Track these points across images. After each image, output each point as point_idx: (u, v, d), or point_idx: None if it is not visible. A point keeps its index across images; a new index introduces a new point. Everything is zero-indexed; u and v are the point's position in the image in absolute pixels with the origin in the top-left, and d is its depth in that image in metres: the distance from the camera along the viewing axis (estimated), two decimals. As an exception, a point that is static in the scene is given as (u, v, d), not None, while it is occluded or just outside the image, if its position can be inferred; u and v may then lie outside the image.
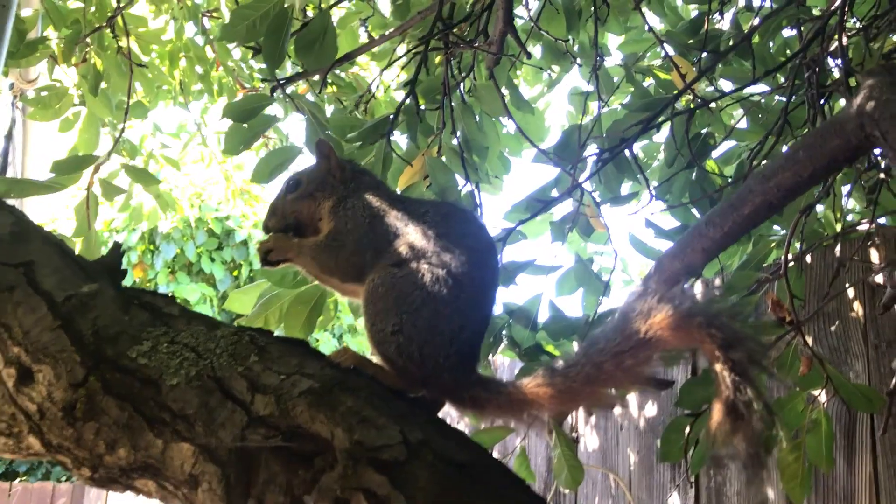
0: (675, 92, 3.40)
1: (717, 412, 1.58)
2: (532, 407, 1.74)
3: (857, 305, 3.72)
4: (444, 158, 3.64)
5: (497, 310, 3.75)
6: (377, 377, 1.79)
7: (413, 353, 1.79)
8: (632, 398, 4.78)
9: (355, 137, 3.43)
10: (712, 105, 3.61)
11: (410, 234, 1.91)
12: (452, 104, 3.37)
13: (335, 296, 3.77)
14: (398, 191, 3.74)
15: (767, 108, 3.77)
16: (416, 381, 1.81)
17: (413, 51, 3.34)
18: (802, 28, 3.78)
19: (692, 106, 3.41)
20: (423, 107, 3.49)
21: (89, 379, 1.69)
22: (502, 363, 5.57)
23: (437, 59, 3.59)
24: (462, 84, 3.51)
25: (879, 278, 3.56)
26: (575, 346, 2.80)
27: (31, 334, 1.71)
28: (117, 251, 1.92)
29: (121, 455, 1.70)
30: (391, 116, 3.52)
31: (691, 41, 4.27)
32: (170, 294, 1.97)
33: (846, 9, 2.89)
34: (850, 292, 3.75)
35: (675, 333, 1.63)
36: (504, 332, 3.73)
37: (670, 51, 4.55)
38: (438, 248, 1.86)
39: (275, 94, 3.20)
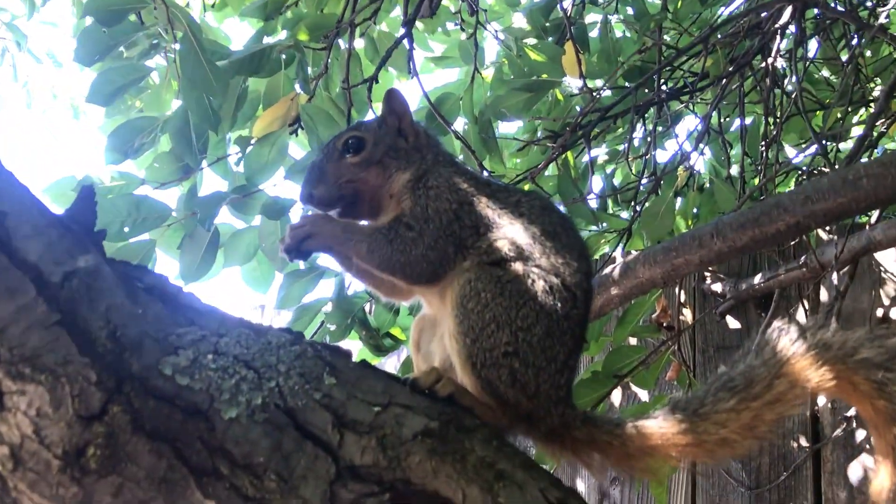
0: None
1: (889, 476, 1.42)
2: (657, 455, 1.45)
3: (686, 311, 3.86)
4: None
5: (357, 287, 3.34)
6: (475, 410, 1.37)
7: (529, 383, 1.40)
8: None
9: (228, 67, 2.79)
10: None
11: (508, 228, 1.50)
12: (352, 47, 2.87)
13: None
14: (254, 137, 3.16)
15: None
16: (521, 418, 1.42)
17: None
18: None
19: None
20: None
21: (110, 408, 1.08)
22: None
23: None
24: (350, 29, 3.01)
25: (717, 287, 3.72)
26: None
27: (8, 333, 1.05)
28: (91, 197, 1.27)
29: (147, 525, 1.12)
30: (269, 50, 2.93)
31: (548, 24, 4.14)
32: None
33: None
34: (682, 297, 3.89)
35: (841, 387, 1.44)
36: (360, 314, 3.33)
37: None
38: (548, 250, 1.48)
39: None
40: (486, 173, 3.48)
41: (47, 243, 1.11)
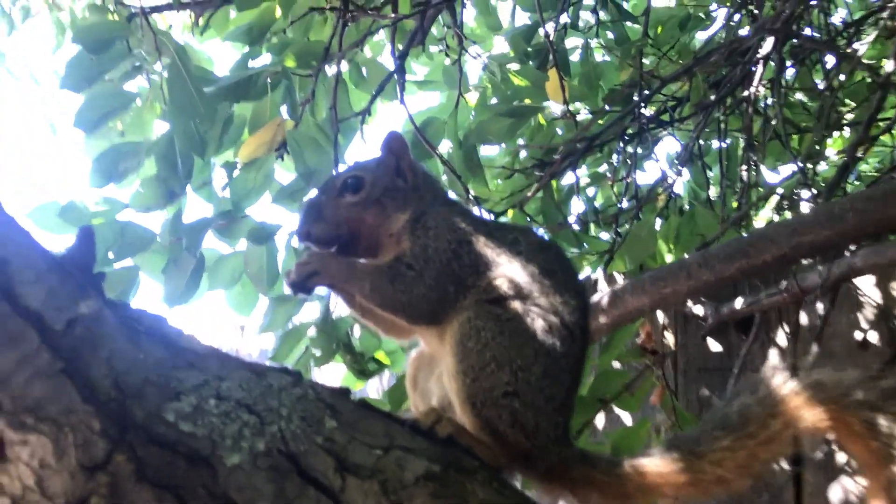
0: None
1: None
2: (654, 494, 1.46)
3: (668, 333, 3.90)
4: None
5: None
6: (474, 451, 1.38)
7: (528, 423, 1.40)
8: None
9: (215, 93, 2.79)
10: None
11: (506, 266, 1.51)
12: (340, 75, 2.88)
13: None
14: (239, 164, 3.15)
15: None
16: (519, 457, 1.43)
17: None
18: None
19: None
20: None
21: (114, 458, 1.08)
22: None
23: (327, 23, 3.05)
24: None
25: (699, 309, 3.75)
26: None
27: (10, 383, 1.05)
28: (90, 239, 1.27)
29: (149, 574, 1.11)
30: (256, 76, 2.93)
31: (530, 48, 4.18)
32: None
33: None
34: (662, 319, 3.92)
35: (836, 427, 1.45)
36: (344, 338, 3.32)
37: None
38: (547, 289, 1.49)
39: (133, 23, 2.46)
40: (471, 196, 3.50)
41: (49, 289, 1.10)
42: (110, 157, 2.94)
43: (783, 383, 1.47)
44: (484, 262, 1.52)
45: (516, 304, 1.46)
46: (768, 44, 2.86)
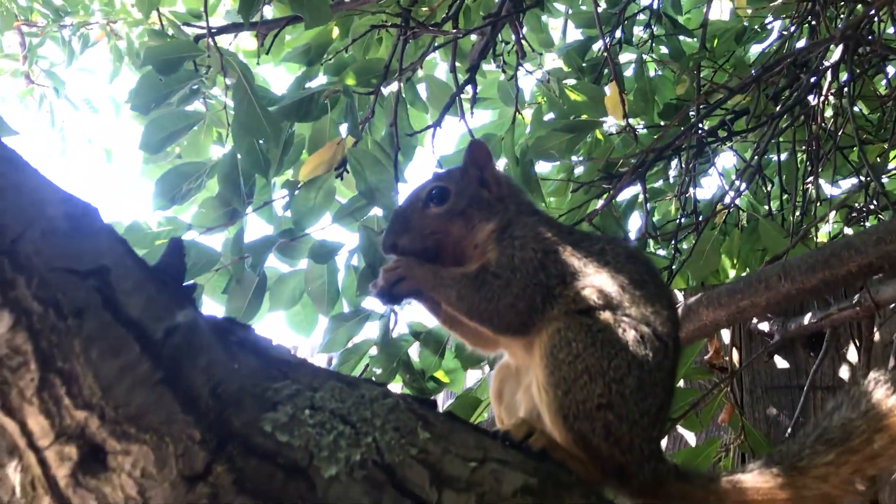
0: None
1: None
2: None
3: (734, 351, 3.81)
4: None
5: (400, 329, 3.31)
6: (566, 464, 1.34)
7: (623, 436, 1.36)
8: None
9: (278, 112, 2.80)
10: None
11: (594, 276, 1.47)
12: (400, 93, 2.87)
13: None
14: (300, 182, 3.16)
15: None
16: (613, 472, 1.39)
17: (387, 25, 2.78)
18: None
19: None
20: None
21: (214, 468, 1.06)
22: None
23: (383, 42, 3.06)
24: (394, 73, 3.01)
25: (764, 326, 3.66)
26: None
27: (113, 392, 1.03)
28: (180, 251, 1.26)
29: (248, 588, 1.08)
30: (317, 95, 2.94)
31: (584, 63, 4.17)
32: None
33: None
34: (726, 337, 3.83)
35: None
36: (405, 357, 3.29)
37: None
38: (637, 299, 1.45)
39: (201, 44, 2.48)
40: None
41: (148, 298, 1.09)
42: (172, 178, 2.96)
43: (886, 397, 1.41)
44: (571, 271, 1.48)
45: (607, 315, 1.42)
46: (835, 53, 2.79)
